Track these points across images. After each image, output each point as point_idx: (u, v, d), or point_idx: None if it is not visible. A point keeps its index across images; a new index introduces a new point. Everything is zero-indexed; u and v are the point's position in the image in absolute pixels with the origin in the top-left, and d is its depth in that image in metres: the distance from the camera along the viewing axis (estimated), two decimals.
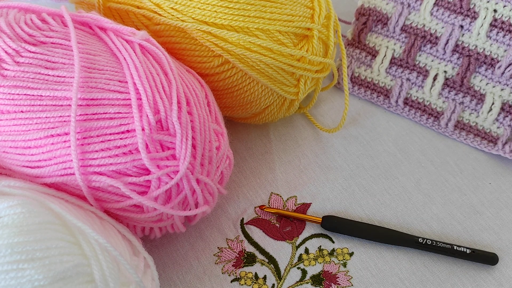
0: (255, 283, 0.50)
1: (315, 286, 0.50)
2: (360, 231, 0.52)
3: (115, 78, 0.43)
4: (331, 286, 0.50)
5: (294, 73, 0.53)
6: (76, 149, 0.40)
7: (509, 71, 0.56)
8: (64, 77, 0.42)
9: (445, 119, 0.60)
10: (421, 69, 0.61)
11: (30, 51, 0.42)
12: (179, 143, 0.42)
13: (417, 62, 0.61)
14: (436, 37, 0.59)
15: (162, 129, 0.42)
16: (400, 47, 0.61)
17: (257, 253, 0.52)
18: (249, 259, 0.51)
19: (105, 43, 0.46)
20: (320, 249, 0.52)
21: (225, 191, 0.48)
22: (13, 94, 0.41)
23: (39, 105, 0.41)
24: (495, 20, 0.56)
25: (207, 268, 0.51)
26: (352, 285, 0.50)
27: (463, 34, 0.58)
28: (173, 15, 0.50)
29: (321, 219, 0.53)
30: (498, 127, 0.58)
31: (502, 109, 0.58)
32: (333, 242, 0.52)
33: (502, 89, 0.57)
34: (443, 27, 0.59)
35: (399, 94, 0.61)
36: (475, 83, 0.59)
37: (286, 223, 0.54)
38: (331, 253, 0.52)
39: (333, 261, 0.51)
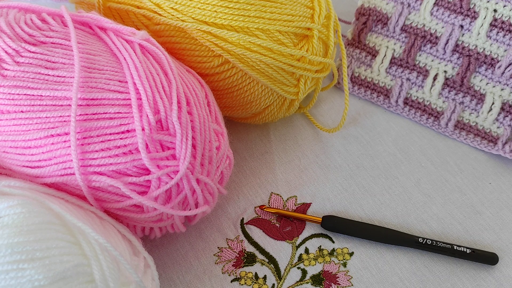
0: (255, 283, 0.50)
1: (315, 286, 0.50)
2: (360, 231, 0.52)
3: (115, 78, 0.43)
4: (331, 286, 0.50)
5: (294, 73, 0.53)
6: (76, 149, 0.40)
7: (509, 71, 0.56)
8: (64, 77, 0.42)
9: (445, 119, 0.60)
10: (421, 69, 0.61)
11: (30, 51, 0.42)
12: (179, 143, 0.42)
13: (417, 62, 0.61)
14: (436, 37, 0.59)
15: (162, 129, 0.42)
16: (400, 47, 0.61)
17: (257, 253, 0.52)
18: (249, 259, 0.51)
19: (105, 43, 0.46)
20: (320, 249, 0.52)
21: (225, 191, 0.48)
22: (13, 94, 0.41)
23: (39, 105, 0.41)
24: (495, 20, 0.56)
25: (207, 268, 0.51)
26: (352, 285, 0.50)
27: (463, 34, 0.58)
28: (173, 15, 0.50)
29: (321, 219, 0.53)
30: (498, 127, 0.58)
31: (502, 109, 0.58)
32: (333, 242, 0.52)
33: (502, 89, 0.57)
34: (443, 27, 0.59)
35: (399, 94, 0.61)
36: (475, 83, 0.59)
37: (286, 223, 0.54)
38: (331, 253, 0.52)
39: (333, 261, 0.51)
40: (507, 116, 0.58)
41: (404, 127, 0.61)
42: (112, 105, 0.42)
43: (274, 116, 0.57)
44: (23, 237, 0.34)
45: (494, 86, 0.58)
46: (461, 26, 0.58)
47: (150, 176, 0.41)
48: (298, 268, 0.51)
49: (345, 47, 0.64)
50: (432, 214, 0.54)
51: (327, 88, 0.61)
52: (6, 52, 0.42)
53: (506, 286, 0.50)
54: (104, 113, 0.41)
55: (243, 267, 0.51)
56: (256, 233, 0.53)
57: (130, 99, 0.42)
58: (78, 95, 0.41)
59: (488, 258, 0.51)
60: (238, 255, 0.51)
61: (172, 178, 0.42)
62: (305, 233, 0.53)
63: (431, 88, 0.60)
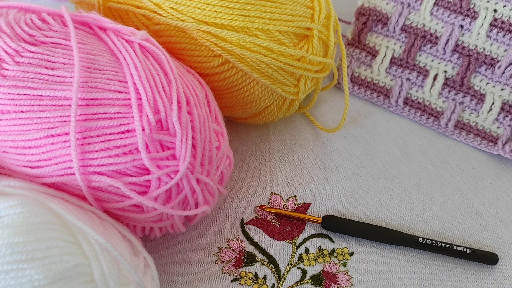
0: (255, 283, 0.50)
1: (315, 286, 0.50)
2: (360, 231, 0.52)
3: (115, 78, 0.43)
4: (331, 286, 0.50)
5: (294, 73, 0.53)
6: (76, 149, 0.40)
7: (509, 71, 0.56)
8: (64, 77, 0.42)
9: (445, 119, 0.60)
10: (421, 69, 0.61)
11: (30, 51, 0.42)
12: (179, 143, 0.42)
13: (417, 62, 0.61)
14: (436, 37, 0.59)
15: (162, 129, 0.42)
16: (400, 47, 0.61)
17: (257, 253, 0.52)
18: (249, 259, 0.51)
19: (105, 43, 0.46)
20: (320, 249, 0.52)
21: (225, 191, 0.48)
22: (13, 94, 0.41)
23: (39, 105, 0.41)
24: (495, 20, 0.56)
25: (207, 268, 0.51)
26: (352, 285, 0.50)
27: (463, 34, 0.58)
28: (173, 15, 0.50)
29: (321, 219, 0.53)
30: (498, 127, 0.58)
31: (502, 109, 0.58)
32: (333, 242, 0.52)
33: (502, 89, 0.57)
34: (443, 27, 0.59)
35: (399, 94, 0.61)
36: (475, 83, 0.59)
37: (286, 223, 0.54)
38: (331, 253, 0.52)
39: (333, 261, 0.51)
40: (507, 116, 0.58)
41: (404, 127, 0.61)
42: (112, 105, 0.42)
43: (274, 116, 0.57)
44: (23, 237, 0.34)
45: (494, 86, 0.58)
46: (461, 26, 0.58)
47: (150, 176, 0.41)
48: (298, 268, 0.51)
49: (345, 47, 0.64)
50: (432, 214, 0.54)
51: (327, 88, 0.61)
52: (6, 52, 0.42)
53: (506, 286, 0.50)
54: (104, 113, 0.41)
55: (243, 267, 0.51)
56: (256, 233, 0.53)
57: (130, 99, 0.42)
58: (78, 95, 0.41)
59: (488, 258, 0.51)
60: (238, 255, 0.51)
61: (172, 178, 0.42)
62: (305, 233, 0.53)
63: (431, 88, 0.60)
